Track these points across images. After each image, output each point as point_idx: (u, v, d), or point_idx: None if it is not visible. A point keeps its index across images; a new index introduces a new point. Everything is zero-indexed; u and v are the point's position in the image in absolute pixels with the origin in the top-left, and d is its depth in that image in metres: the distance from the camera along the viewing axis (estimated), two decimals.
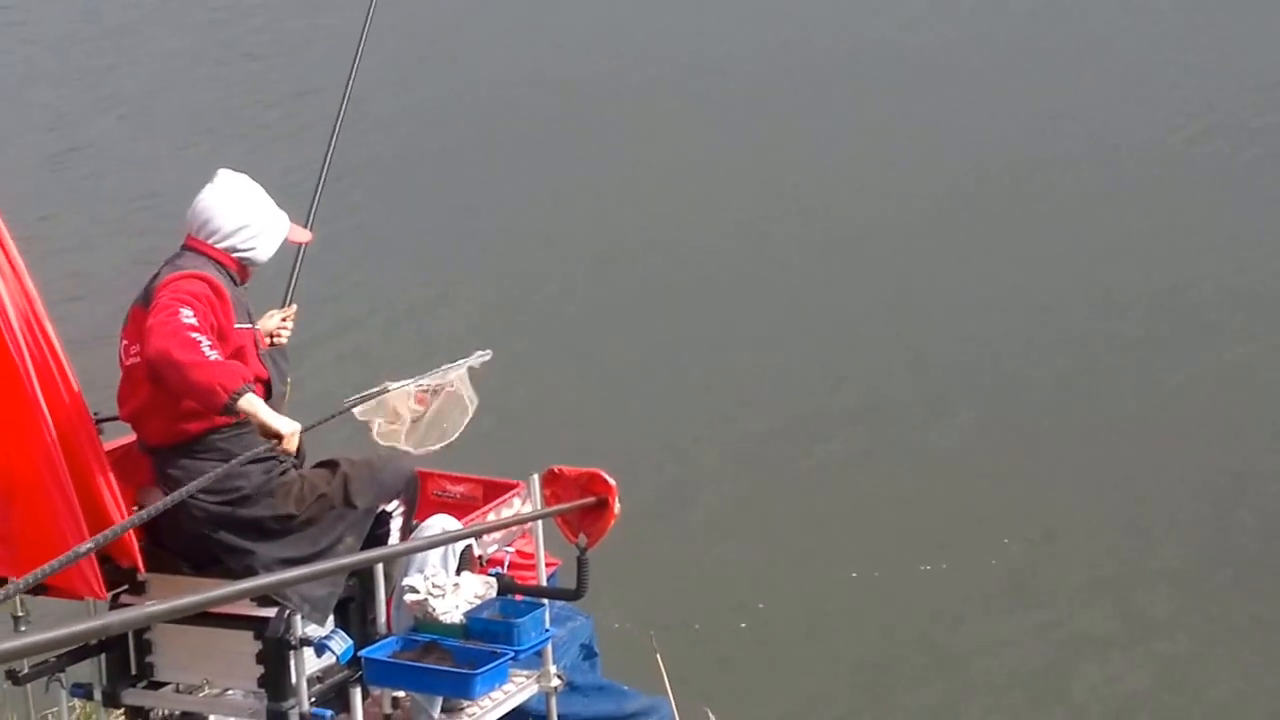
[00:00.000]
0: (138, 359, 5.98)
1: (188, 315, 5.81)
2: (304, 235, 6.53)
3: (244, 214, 6.24)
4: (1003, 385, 12.39)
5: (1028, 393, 12.36)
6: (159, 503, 5.25)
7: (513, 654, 6.22)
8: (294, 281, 6.92)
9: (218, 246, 6.20)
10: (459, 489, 6.92)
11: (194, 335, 5.77)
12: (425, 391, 6.43)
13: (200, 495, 5.90)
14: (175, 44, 21.38)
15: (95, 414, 6.11)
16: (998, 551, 10.40)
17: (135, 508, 6.14)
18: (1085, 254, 14.44)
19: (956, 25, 20.35)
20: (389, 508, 6.27)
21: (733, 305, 13.64)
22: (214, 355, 5.78)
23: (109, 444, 6.15)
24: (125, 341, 6.11)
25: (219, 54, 20.66)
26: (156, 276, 6.10)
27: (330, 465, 6.22)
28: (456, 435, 6.48)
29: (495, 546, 6.75)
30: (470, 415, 6.51)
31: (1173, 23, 20.11)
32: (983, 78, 18.64)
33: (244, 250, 6.23)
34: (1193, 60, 19.11)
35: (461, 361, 6.52)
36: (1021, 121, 17.42)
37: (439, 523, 6.51)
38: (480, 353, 6.55)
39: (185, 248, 6.21)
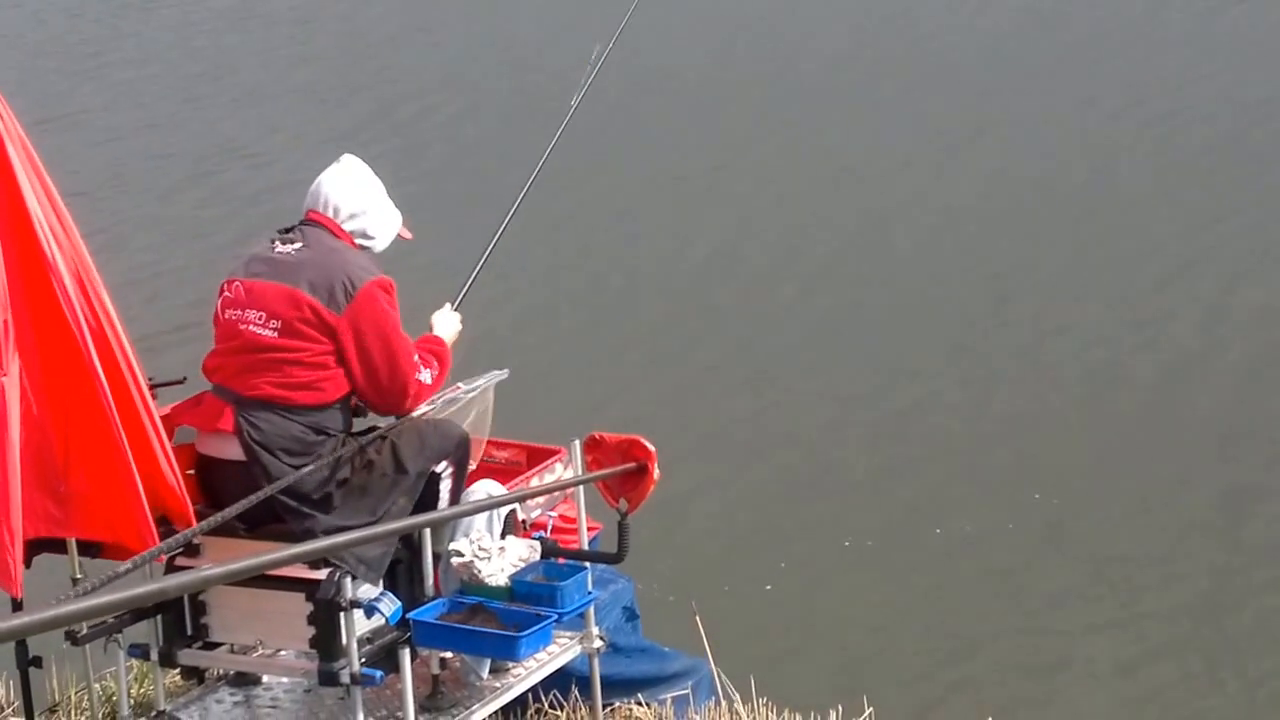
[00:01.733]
0: (264, 329, 6.00)
1: (403, 339, 6.11)
2: (408, 232, 6.48)
3: (367, 199, 6.25)
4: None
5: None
6: (276, 484, 5.78)
7: (556, 616, 6.19)
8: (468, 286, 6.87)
9: (345, 228, 6.20)
10: (503, 454, 6.92)
11: (419, 370, 6.15)
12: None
13: (281, 456, 5.95)
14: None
15: (151, 378, 6.08)
16: (1025, 514, 10.31)
17: (190, 470, 6.14)
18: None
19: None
20: (438, 469, 6.22)
21: (782, 280, 13.47)
22: (429, 377, 6.19)
23: (162, 409, 6.10)
24: (250, 310, 6.05)
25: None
26: (289, 261, 6.06)
27: (379, 433, 6.18)
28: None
29: (539, 511, 6.74)
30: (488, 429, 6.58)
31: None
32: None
33: (368, 238, 6.24)
34: None
35: (478, 383, 6.53)
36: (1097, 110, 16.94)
37: (484, 488, 6.51)
38: (496, 372, 6.57)
39: (307, 220, 6.19)
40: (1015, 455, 10.95)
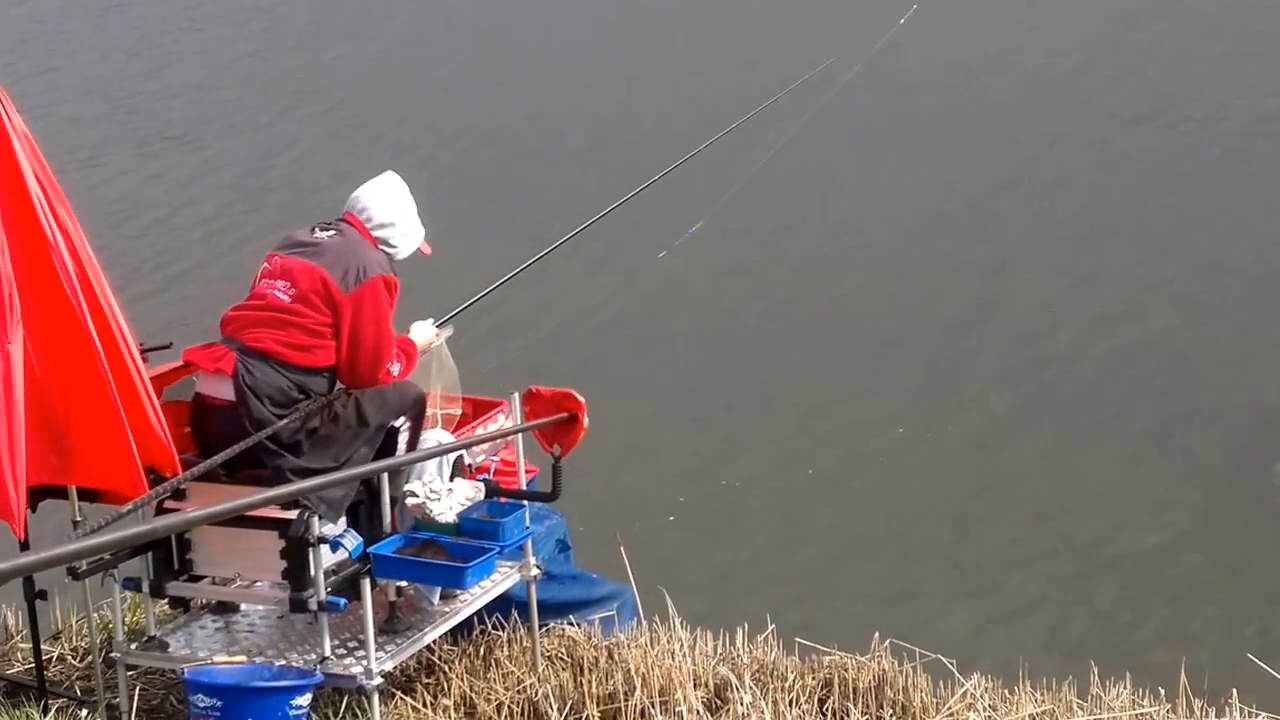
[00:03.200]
0: (284, 294, 6.20)
1: (391, 331, 6.31)
2: (428, 248, 6.66)
3: (397, 212, 6.44)
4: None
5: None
6: (271, 428, 5.99)
7: (499, 548, 6.28)
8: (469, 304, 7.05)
9: (372, 233, 6.39)
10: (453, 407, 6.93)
11: (392, 361, 6.30)
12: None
13: (265, 402, 6.10)
14: None
15: (141, 344, 6.13)
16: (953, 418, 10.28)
17: (181, 427, 6.20)
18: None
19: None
20: (397, 424, 6.32)
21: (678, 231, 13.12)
22: (396, 370, 6.34)
23: (151, 370, 6.18)
24: (279, 279, 6.24)
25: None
26: (320, 245, 6.28)
27: (344, 389, 6.26)
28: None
29: (482, 456, 6.80)
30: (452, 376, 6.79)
31: None
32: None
33: (390, 245, 6.42)
34: None
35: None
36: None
37: (435, 436, 6.58)
38: (443, 331, 6.77)
39: (345, 221, 6.41)
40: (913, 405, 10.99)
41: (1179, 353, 11.32)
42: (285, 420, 6.08)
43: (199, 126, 17.42)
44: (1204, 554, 9.15)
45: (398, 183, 6.53)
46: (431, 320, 6.73)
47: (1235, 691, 6.55)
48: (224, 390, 6.16)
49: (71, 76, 19.35)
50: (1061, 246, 13.25)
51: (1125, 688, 6.70)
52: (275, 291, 6.22)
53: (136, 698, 6.44)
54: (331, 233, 6.33)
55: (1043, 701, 6.61)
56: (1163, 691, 6.66)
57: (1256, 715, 6.51)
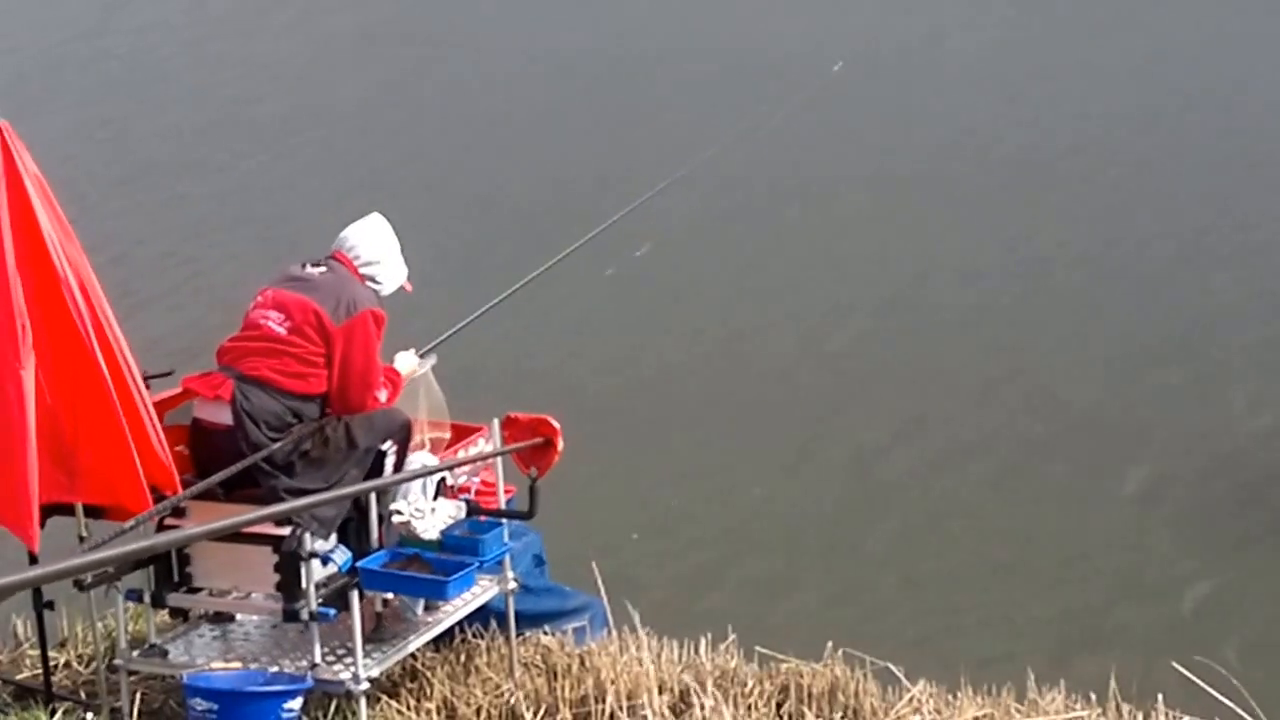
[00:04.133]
0: (279, 326, 6.22)
1: (378, 362, 6.35)
2: (410, 286, 6.72)
3: (383, 251, 6.50)
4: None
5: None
6: (273, 446, 6.01)
7: (478, 563, 6.32)
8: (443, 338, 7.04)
9: (360, 270, 6.44)
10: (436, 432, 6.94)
11: (379, 389, 6.34)
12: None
13: (262, 427, 6.11)
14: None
15: (145, 371, 6.13)
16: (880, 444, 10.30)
17: (179, 448, 6.22)
18: None
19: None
20: (384, 447, 6.33)
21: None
22: (383, 397, 6.36)
23: (155, 396, 6.18)
24: (271, 311, 6.27)
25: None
26: (312, 280, 6.30)
27: (336, 416, 6.26)
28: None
29: (464, 477, 6.83)
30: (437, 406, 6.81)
31: None
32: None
33: (376, 282, 6.47)
34: None
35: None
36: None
37: (420, 459, 6.60)
38: (426, 361, 6.80)
39: (334, 259, 6.45)
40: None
41: (1085, 385, 11.34)
42: (279, 444, 6.08)
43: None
44: (1133, 568, 9.19)
45: (383, 223, 6.59)
46: (414, 350, 6.74)
47: (1161, 696, 6.60)
48: (222, 416, 6.17)
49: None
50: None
51: (1060, 693, 6.74)
52: (270, 323, 6.27)
53: (138, 702, 6.45)
54: (323, 269, 6.39)
55: (983, 705, 6.66)
56: (1094, 696, 6.71)
57: (1180, 718, 6.56)
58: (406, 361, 6.69)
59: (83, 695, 6.72)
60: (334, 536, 6.19)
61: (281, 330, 6.23)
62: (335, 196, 14.52)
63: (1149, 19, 19.92)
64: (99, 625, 6.62)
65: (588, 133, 16.97)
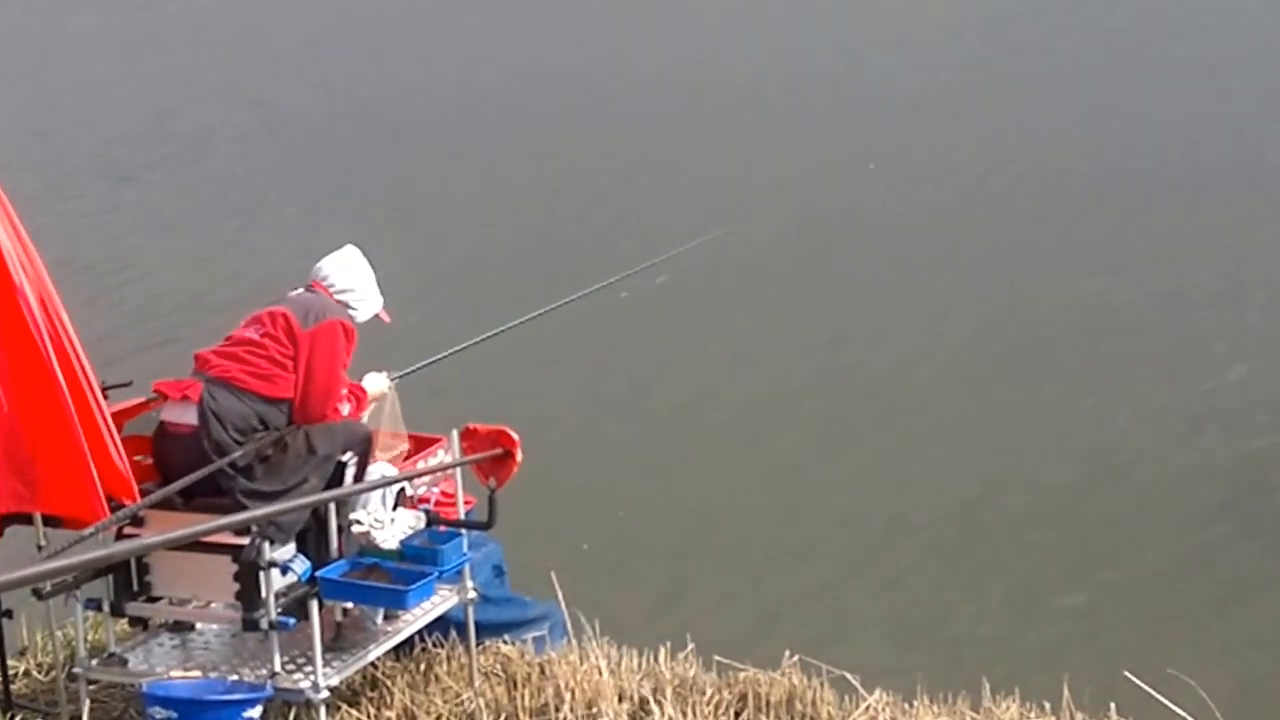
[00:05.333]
0: (252, 332, 6.42)
1: (341, 374, 6.50)
2: (386, 316, 6.88)
3: (357, 280, 6.69)
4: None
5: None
6: (248, 448, 6.17)
7: (438, 573, 6.37)
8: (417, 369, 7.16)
9: (336, 297, 6.62)
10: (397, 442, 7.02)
11: (341, 402, 6.48)
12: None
13: (227, 427, 6.23)
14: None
15: (103, 381, 6.20)
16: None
17: (138, 457, 6.27)
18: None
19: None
20: (344, 459, 6.43)
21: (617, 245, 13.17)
22: (345, 410, 6.51)
23: (112, 406, 6.23)
24: (248, 327, 6.48)
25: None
26: (289, 297, 6.56)
27: (296, 425, 6.38)
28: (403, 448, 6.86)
29: (424, 488, 6.87)
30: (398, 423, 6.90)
31: None
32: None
33: (350, 309, 6.65)
34: None
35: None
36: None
37: (379, 469, 6.65)
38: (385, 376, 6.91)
39: (312, 289, 6.65)
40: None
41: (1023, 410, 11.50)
42: (241, 450, 6.21)
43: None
44: (1089, 580, 9.30)
45: (356, 255, 6.79)
46: (386, 373, 6.87)
47: (1114, 705, 6.74)
48: (188, 416, 6.30)
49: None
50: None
51: (1014, 701, 6.86)
52: (246, 332, 6.48)
53: (97, 710, 6.49)
54: (300, 290, 6.63)
55: (939, 714, 6.77)
56: (1048, 705, 6.83)
57: None
58: (376, 383, 6.81)
59: (42, 704, 6.74)
60: (293, 545, 6.25)
61: (253, 335, 6.44)
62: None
63: None
64: (58, 634, 6.62)
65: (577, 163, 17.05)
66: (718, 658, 7.01)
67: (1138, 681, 6.74)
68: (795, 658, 6.86)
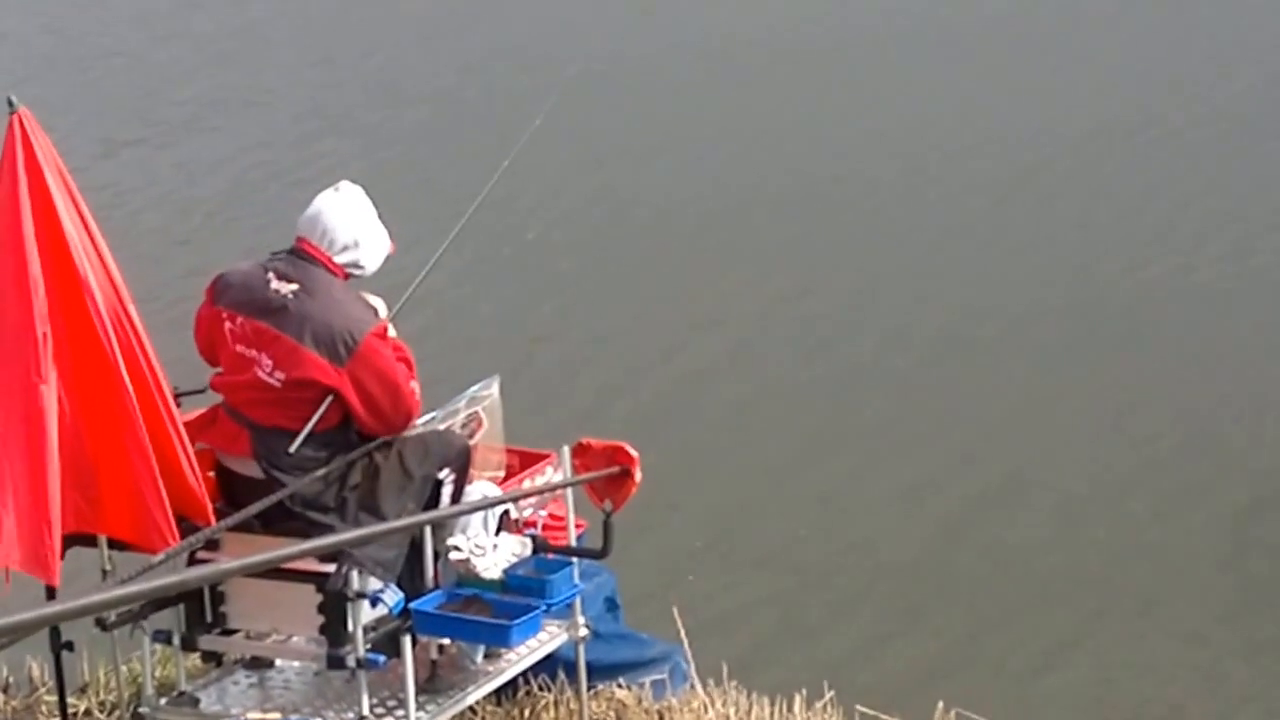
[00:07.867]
0: (270, 376, 5.93)
1: (397, 377, 6.03)
2: (393, 247, 6.29)
3: (361, 230, 6.09)
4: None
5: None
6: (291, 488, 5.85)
7: (545, 606, 6.19)
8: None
9: (336, 260, 6.05)
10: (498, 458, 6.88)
11: (415, 392, 6.09)
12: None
13: (297, 475, 5.91)
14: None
15: (175, 388, 6.04)
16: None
17: (211, 472, 6.12)
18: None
19: None
20: (441, 475, 6.19)
21: (770, 282, 13.10)
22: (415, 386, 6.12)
23: (185, 415, 6.06)
24: (252, 350, 5.96)
25: None
26: (287, 310, 5.92)
27: (385, 441, 6.14)
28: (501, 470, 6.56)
29: (530, 510, 6.70)
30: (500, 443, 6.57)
31: None
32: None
33: (358, 269, 6.11)
34: None
35: (467, 393, 6.52)
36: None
37: (480, 489, 6.45)
38: (487, 380, 6.54)
39: (300, 252, 6.03)
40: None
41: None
42: (320, 472, 5.93)
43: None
44: (1064, 602, 9.07)
45: (356, 193, 6.15)
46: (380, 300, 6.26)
47: None
48: (250, 470, 6.03)
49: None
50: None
51: None
52: (260, 372, 5.94)
53: None
54: (295, 287, 5.96)
55: None
56: None
57: None
58: (376, 304, 6.21)
59: None
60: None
61: (275, 382, 5.92)
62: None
63: None
64: (123, 669, 6.55)
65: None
66: (860, 708, 6.84)
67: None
68: (952, 712, 6.63)
